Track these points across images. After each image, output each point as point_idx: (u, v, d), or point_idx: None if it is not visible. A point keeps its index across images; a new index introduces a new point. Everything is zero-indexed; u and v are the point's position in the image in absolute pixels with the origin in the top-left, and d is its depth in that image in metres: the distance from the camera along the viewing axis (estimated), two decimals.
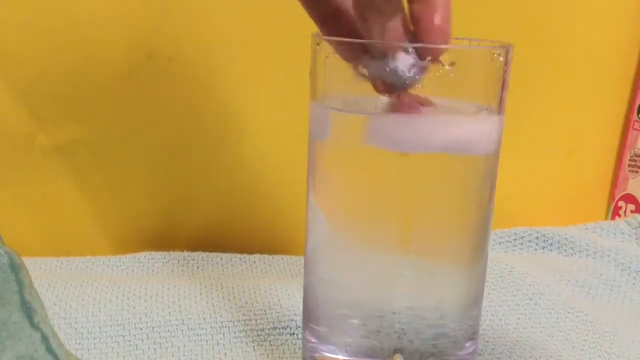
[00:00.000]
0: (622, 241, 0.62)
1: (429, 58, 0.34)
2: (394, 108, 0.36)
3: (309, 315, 0.40)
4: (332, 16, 0.38)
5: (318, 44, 0.36)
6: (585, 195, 0.71)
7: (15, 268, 0.34)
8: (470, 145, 0.36)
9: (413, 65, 0.34)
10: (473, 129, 0.36)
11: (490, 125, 0.37)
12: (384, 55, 0.34)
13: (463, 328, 0.39)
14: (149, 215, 0.59)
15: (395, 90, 0.35)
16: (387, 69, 0.34)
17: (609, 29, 0.67)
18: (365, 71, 0.35)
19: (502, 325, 0.48)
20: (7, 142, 0.55)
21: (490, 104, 0.36)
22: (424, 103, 0.35)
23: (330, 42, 0.36)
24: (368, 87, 0.36)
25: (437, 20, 0.34)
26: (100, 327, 0.45)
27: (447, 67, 0.34)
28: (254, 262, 0.57)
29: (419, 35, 0.35)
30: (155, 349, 0.44)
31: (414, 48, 0.34)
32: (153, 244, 0.58)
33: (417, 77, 0.34)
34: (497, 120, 0.37)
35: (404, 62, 0.34)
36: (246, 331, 0.46)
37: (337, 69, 0.36)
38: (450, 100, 0.37)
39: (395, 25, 0.34)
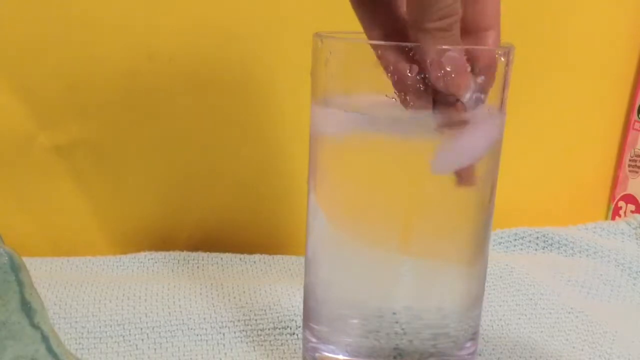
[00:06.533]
0: (622, 241, 0.62)
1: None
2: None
3: (309, 315, 0.40)
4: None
5: (320, 43, 0.36)
6: (585, 195, 0.71)
7: (15, 268, 0.34)
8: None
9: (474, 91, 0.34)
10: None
11: (491, 126, 0.37)
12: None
13: (463, 328, 0.39)
14: (149, 215, 0.59)
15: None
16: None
17: (608, 29, 0.67)
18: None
19: (502, 326, 0.48)
20: (7, 142, 0.55)
21: (491, 104, 0.36)
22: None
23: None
24: (367, 86, 0.36)
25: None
26: (100, 327, 0.45)
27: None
28: (254, 262, 0.57)
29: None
30: (155, 349, 0.44)
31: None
32: (153, 244, 0.58)
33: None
34: (498, 120, 0.37)
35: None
36: (246, 331, 0.46)
37: (338, 69, 0.36)
38: None
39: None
